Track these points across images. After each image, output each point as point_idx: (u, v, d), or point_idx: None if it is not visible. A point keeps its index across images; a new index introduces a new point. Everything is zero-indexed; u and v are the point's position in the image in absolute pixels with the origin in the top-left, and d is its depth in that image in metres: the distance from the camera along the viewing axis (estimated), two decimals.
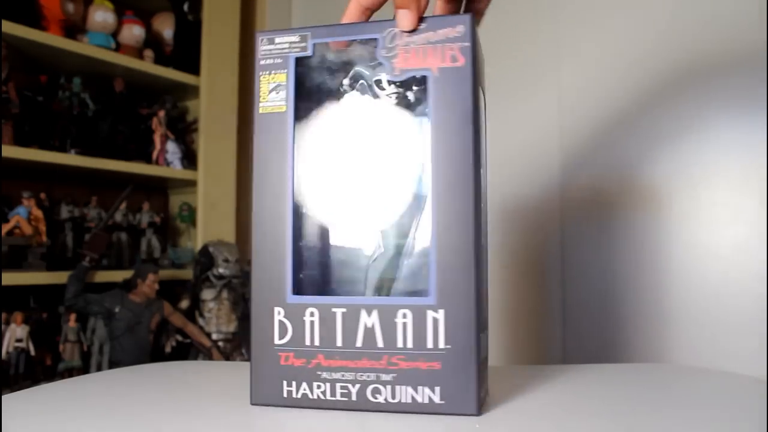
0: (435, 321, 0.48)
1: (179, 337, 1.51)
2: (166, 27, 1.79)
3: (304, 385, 0.49)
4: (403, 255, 0.52)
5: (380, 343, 0.48)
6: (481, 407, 0.48)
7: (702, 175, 1.08)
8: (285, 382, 0.50)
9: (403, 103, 0.53)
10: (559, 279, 1.24)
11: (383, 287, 0.52)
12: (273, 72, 0.52)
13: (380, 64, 0.52)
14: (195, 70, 1.76)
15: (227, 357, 1.51)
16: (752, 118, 1.02)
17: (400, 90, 0.52)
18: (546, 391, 0.57)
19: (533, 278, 1.30)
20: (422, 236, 0.52)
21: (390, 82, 0.52)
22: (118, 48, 1.63)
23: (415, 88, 0.53)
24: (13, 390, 1.15)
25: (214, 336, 1.51)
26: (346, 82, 0.53)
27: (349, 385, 0.49)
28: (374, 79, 0.53)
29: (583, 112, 1.23)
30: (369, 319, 0.49)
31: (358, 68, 0.53)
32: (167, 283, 1.59)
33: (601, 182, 1.19)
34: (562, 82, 1.26)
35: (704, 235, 1.07)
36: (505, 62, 1.31)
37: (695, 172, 1.09)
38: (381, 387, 0.48)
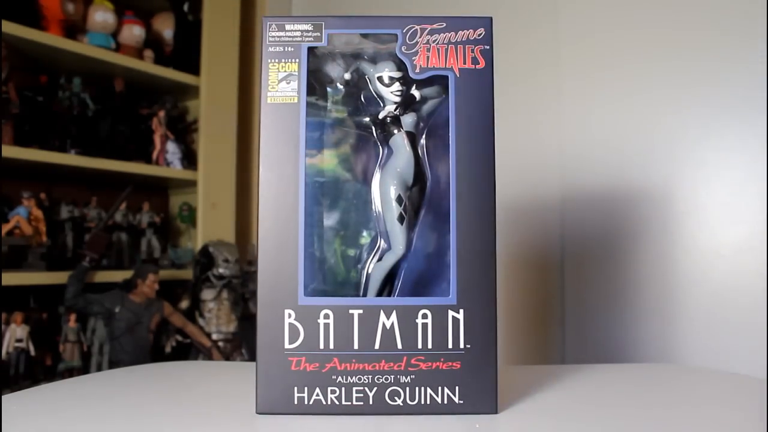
0: (455, 321, 0.48)
1: (179, 337, 1.50)
2: (166, 27, 1.79)
3: (317, 390, 0.48)
4: (406, 254, 0.52)
5: (399, 345, 0.48)
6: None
7: (703, 175, 1.08)
8: (296, 389, 0.48)
9: (407, 100, 0.53)
10: (559, 278, 1.24)
11: (386, 287, 0.52)
12: (283, 60, 0.50)
13: (383, 59, 0.52)
14: (195, 70, 1.76)
15: (227, 357, 1.50)
16: (752, 118, 1.02)
17: (403, 88, 0.52)
18: (555, 391, 0.57)
19: (533, 277, 1.29)
20: (425, 234, 0.52)
21: (392, 79, 0.52)
22: (118, 48, 1.63)
23: (417, 87, 0.53)
24: (13, 390, 1.15)
25: (214, 336, 1.51)
26: (347, 76, 0.53)
27: (366, 389, 0.48)
28: (377, 75, 0.52)
29: (583, 112, 1.23)
30: (388, 320, 0.48)
31: (360, 63, 0.53)
32: (167, 283, 1.59)
33: (601, 182, 1.19)
34: (562, 81, 1.26)
35: (705, 235, 1.07)
36: (504, 61, 1.30)
37: (696, 173, 1.09)
38: (399, 389, 0.48)
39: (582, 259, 1.21)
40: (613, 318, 1.16)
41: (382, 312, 0.48)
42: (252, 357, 1.50)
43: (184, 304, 1.57)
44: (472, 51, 0.49)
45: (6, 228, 1.37)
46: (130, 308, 1.41)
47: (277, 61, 0.50)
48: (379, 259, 0.52)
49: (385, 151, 0.53)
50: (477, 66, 0.49)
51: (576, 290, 1.22)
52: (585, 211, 1.21)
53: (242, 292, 1.56)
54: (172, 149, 1.72)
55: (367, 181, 0.53)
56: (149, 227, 1.71)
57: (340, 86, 0.53)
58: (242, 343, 1.54)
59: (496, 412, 0.48)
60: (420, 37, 0.50)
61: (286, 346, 0.49)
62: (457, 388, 0.48)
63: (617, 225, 1.16)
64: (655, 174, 1.12)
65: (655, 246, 1.12)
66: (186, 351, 1.51)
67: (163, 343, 1.49)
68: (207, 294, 1.54)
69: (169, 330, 1.50)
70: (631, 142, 1.15)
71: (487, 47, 0.49)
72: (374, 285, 0.52)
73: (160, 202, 1.86)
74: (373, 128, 0.53)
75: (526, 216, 1.29)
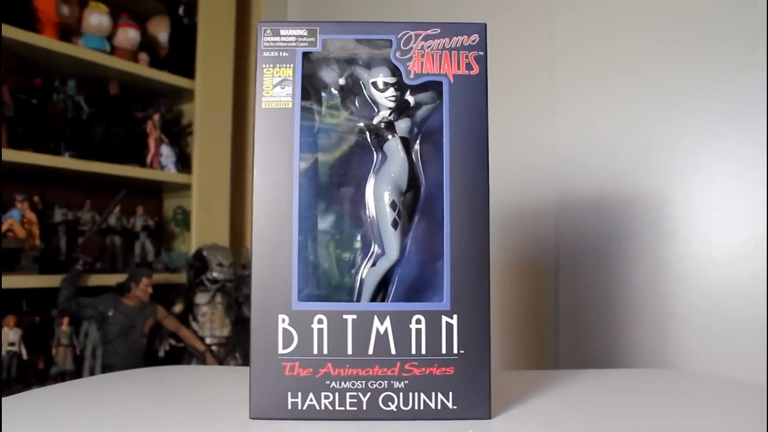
0: (449, 326, 0.48)
1: (172, 341, 1.50)
2: (161, 30, 1.79)
3: (311, 396, 0.48)
4: (400, 259, 0.52)
5: (393, 350, 0.48)
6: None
7: (697, 181, 1.08)
8: (290, 394, 0.48)
9: (402, 106, 0.53)
10: (553, 283, 1.24)
11: (380, 292, 0.52)
12: (278, 66, 0.50)
13: (378, 65, 0.52)
14: (190, 73, 1.76)
15: (221, 361, 1.50)
16: (746, 125, 1.03)
17: (398, 93, 0.52)
18: (549, 396, 0.57)
19: (527, 283, 1.30)
20: (419, 240, 0.52)
21: (387, 84, 0.52)
22: (113, 51, 1.63)
23: (411, 92, 0.53)
24: (5, 395, 1.14)
25: (208, 340, 1.50)
26: (342, 81, 0.53)
27: (360, 394, 0.48)
28: (371, 80, 0.52)
29: (578, 118, 1.23)
30: (381, 326, 0.48)
31: (355, 68, 0.53)
32: (161, 287, 1.59)
33: (596, 188, 1.19)
34: (556, 87, 1.26)
35: (699, 241, 1.08)
36: (498, 67, 1.31)
37: (690, 179, 1.09)
38: (393, 395, 0.48)
39: (576, 264, 1.22)
40: (607, 323, 1.16)
41: (375, 317, 0.48)
42: (246, 361, 1.49)
43: (178, 307, 1.57)
44: (467, 57, 0.50)
45: None
46: (123, 312, 1.40)
47: (271, 66, 0.50)
48: (373, 265, 0.52)
49: (379, 157, 0.53)
50: (471, 72, 0.50)
51: (570, 295, 1.22)
52: (579, 217, 1.21)
53: (236, 296, 1.55)
54: (167, 152, 1.72)
55: (361, 186, 0.53)
56: (143, 231, 1.70)
57: (335, 91, 0.53)
58: (236, 347, 1.53)
59: (489, 418, 0.48)
60: (414, 43, 0.50)
61: (280, 351, 0.48)
62: (450, 393, 0.48)
63: (612, 231, 1.17)
64: (649, 180, 1.13)
65: (650, 252, 1.12)
66: (179, 355, 1.50)
67: (156, 347, 1.48)
68: (201, 298, 1.53)
69: (162, 334, 1.49)
70: (625, 148, 1.16)
71: (482, 53, 0.50)
72: (368, 290, 0.52)
73: (154, 206, 1.86)
74: (368, 133, 0.53)
75: (520, 221, 1.29)
